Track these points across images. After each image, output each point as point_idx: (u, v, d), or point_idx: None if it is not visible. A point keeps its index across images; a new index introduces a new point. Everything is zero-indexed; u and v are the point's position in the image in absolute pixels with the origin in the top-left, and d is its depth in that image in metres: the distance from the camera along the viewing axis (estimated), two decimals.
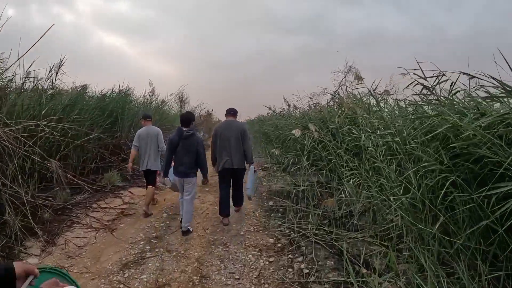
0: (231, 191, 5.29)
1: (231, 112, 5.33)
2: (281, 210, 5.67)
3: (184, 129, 4.57)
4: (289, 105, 11.69)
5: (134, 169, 7.94)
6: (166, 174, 4.69)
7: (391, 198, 3.57)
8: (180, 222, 4.73)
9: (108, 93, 9.93)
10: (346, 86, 13.36)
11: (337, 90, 13.39)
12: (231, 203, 5.31)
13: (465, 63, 2.95)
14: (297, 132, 6.77)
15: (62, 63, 7.72)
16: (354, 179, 4.64)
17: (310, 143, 6.65)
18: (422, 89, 3.98)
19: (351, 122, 6.30)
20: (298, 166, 6.85)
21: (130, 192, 7.05)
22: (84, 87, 8.38)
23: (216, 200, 6.18)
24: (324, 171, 6.42)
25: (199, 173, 4.75)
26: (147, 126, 5.73)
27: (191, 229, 4.63)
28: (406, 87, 5.78)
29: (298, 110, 10.46)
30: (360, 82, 6.82)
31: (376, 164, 4.22)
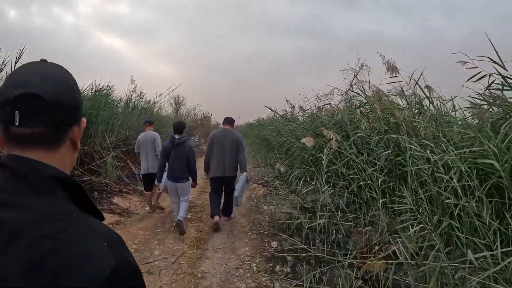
0: (222, 197, 5.30)
1: (228, 121, 5.38)
2: (290, 259, 3.97)
3: (176, 136, 4.81)
4: (293, 107, 10.09)
5: None
6: (159, 179, 4.91)
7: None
8: (174, 225, 4.93)
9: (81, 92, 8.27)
10: (360, 84, 11.87)
11: (350, 89, 11.87)
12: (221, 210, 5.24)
13: None
14: (308, 141, 5.18)
15: (21, 53, 6.12)
16: (411, 221, 2.97)
17: (328, 155, 5.03)
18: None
19: (392, 129, 4.66)
20: (311, 185, 5.23)
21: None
22: None
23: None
24: (346, 193, 4.82)
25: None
26: (146, 131, 5.89)
27: (183, 221, 4.83)
28: (468, 80, 4.13)
29: (305, 113, 8.86)
30: (396, 75, 5.22)
31: (448, 200, 2.58)
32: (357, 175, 4.86)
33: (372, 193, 4.41)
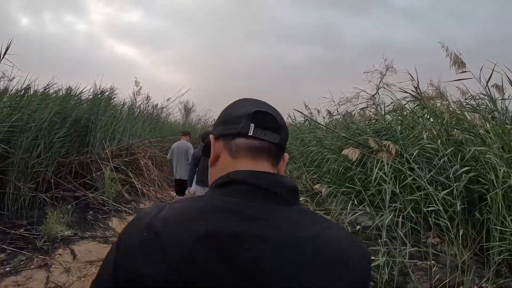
0: None
1: None
2: None
3: None
4: (318, 111, 8.98)
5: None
6: (190, 184, 5.06)
7: None
8: None
9: (76, 94, 7.29)
10: (388, 87, 10.70)
11: (377, 92, 10.69)
12: None
13: None
14: (352, 154, 4.10)
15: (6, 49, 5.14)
16: None
17: (378, 171, 3.95)
18: None
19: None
20: (356, 208, 4.14)
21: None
22: (27, 88, 5.76)
23: None
24: (407, 224, 3.74)
25: None
26: (181, 140, 6.44)
27: None
28: None
29: (334, 118, 7.75)
30: (464, 70, 4.10)
31: None
32: (419, 196, 3.77)
33: (440, 220, 3.39)
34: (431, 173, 3.66)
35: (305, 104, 11.87)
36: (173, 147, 6.38)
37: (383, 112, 6.27)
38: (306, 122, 9.34)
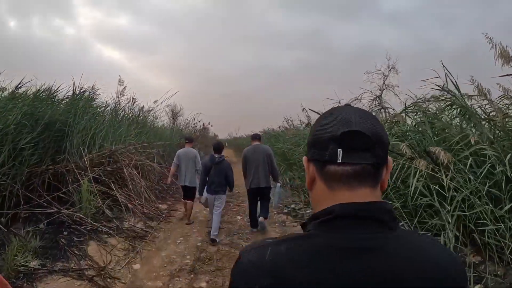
0: (258, 207, 5.63)
1: (257, 137, 5.86)
2: None
3: (216, 155, 5.24)
4: (317, 113, 8.28)
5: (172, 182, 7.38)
6: (201, 192, 5.36)
7: None
8: (208, 233, 5.15)
9: (51, 93, 6.40)
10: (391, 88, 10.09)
11: (381, 93, 10.07)
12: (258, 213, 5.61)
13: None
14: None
15: None
16: None
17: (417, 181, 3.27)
18: None
19: None
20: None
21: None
22: None
23: None
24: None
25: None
26: (186, 147, 6.46)
27: (217, 240, 5.01)
28: None
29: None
30: None
31: None
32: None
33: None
34: (474, 182, 2.95)
35: (302, 107, 11.23)
36: (178, 153, 6.40)
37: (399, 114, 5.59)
38: (310, 125, 8.60)
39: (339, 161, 0.60)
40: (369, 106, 9.78)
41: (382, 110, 8.91)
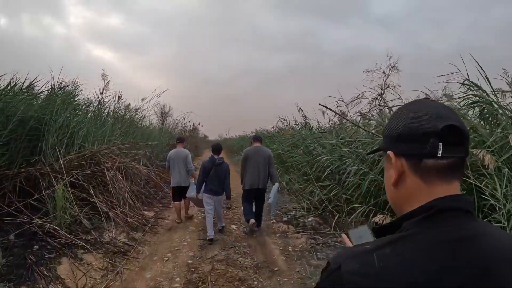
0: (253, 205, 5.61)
1: (258, 139, 5.85)
2: None
3: (216, 157, 5.32)
4: (324, 113, 7.82)
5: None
6: (198, 192, 5.32)
7: None
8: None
9: (24, 88, 5.76)
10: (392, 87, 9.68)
11: (383, 92, 9.63)
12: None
13: None
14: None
15: None
16: None
17: None
18: None
19: None
20: None
21: None
22: None
23: None
24: None
25: None
26: (178, 148, 6.40)
27: (224, 226, 5.53)
28: None
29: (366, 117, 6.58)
30: None
31: None
32: None
33: None
34: None
35: (298, 107, 10.73)
36: (170, 154, 6.38)
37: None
38: (308, 125, 8.10)
39: (439, 155, 0.61)
40: (370, 106, 9.35)
41: (387, 109, 8.47)
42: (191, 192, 5.84)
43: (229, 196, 5.45)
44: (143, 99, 10.25)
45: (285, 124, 11.70)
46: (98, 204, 5.14)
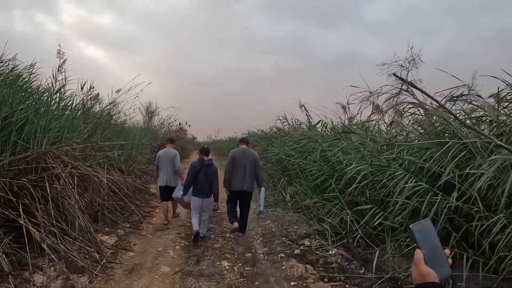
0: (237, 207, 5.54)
1: (245, 141, 5.77)
2: None
3: (205, 158, 5.30)
4: (344, 108, 6.40)
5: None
6: (185, 193, 5.27)
7: None
8: (192, 239, 4.92)
9: None
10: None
11: (406, 87, 8.23)
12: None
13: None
14: None
15: None
16: None
17: None
18: None
19: None
20: None
21: None
22: None
23: None
24: None
25: None
26: (167, 148, 6.49)
27: (206, 235, 5.24)
28: None
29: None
30: None
31: None
32: None
33: None
34: None
35: (300, 104, 9.28)
36: (159, 154, 6.41)
37: None
38: (321, 124, 6.62)
39: None
40: (389, 102, 7.95)
41: (415, 106, 7.06)
42: (177, 193, 5.78)
43: (217, 198, 5.33)
44: (118, 91, 8.60)
45: (285, 123, 10.21)
46: (31, 231, 3.55)
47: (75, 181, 4.80)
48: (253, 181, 5.41)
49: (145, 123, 18.04)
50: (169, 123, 18.68)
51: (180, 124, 19.61)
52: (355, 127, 6.14)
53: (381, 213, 3.72)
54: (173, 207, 6.33)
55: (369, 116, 5.81)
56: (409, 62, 8.87)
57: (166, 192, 6.06)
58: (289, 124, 9.61)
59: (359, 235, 4.11)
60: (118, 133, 9.43)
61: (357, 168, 4.12)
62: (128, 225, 5.38)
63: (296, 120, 9.23)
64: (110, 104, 9.19)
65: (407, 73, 8.65)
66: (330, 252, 4.09)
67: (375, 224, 3.69)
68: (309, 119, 9.18)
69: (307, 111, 9.29)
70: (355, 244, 4.22)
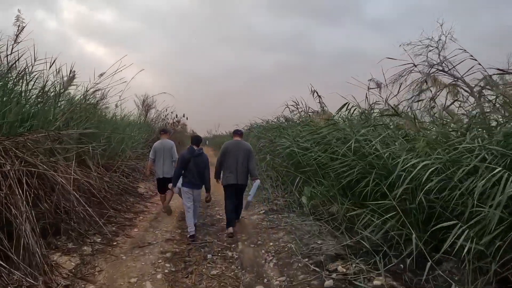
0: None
1: (239, 133, 5.65)
2: None
3: (195, 148, 5.09)
4: (379, 85, 5.31)
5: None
6: (174, 185, 5.15)
7: None
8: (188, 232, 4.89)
9: None
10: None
11: (443, 65, 7.07)
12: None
13: None
14: None
15: None
16: None
17: None
18: None
19: None
20: None
21: None
22: None
23: None
24: None
25: None
26: (162, 139, 6.42)
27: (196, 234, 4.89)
28: None
29: None
30: None
31: None
32: None
33: None
34: None
35: (313, 90, 8.11)
36: (155, 146, 6.34)
37: None
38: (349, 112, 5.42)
39: None
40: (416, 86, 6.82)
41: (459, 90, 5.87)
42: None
43: (209, 188, 5.21)
44: (101, 75, 7.40)
45: (294, 112, 9.00)
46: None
47: (26, 181, 3.65)
48: (247, 173, 5.32)
49: (141, 116, 16.94)
50: (165, 115, 17.49)
51: (177, 116, 18.41)
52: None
53: (463, 230, 2.50)
54: (168, 198, 6.10)
55: (418, 93, 4.63)
56: (445, 39, 7.67)
57: (163, 184, 6.03)
58: (300, 112, 8.41)
59: (411, 256, 2.95)
60: (103, 124, 8.27)
61: (423, 163, 2.88)
62: (99, 239, 4.18)
63: (308, 108, 8.05)
64: (94, 90, 7.98)
65: (439, 52, 7.48)
66: (376, 282, 2.92)
67: (455, 246, 2.49)
68: (322, 107, 8.00)
69: (320, 97, 8.11)
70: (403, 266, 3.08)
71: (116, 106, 10.05)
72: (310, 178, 5.45)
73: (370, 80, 6.41)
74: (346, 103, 5.14)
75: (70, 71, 7.16)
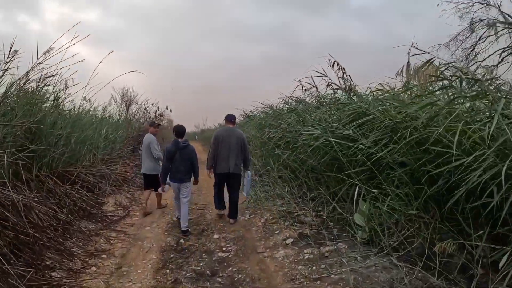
0: (225, 191, 5.38)
1: (231, 120, 5.45)
2: None
3: (180, 140, 4.95)
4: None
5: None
6: (164, 181, 5.08)
7: None
8: (179, 222, 5.04)
9: None
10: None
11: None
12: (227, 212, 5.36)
13: None
14: None
15: None
16: None
17: None
18: None
19: None
20: None
21: None
22: None
23: None
24: None
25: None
26: (148, 133, 6.19)
27: (189, 230, 4.86)
28: None
29: None
30: None
31: None
32: None
33: None
34: None
35: (331, 63, 6.37)
36: (143, 139, 6.22)
37: None
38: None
39: None
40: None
41: None
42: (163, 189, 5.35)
43: (197, 177, 5.06)
44: (46, 52, 5.42)
45: (306, 92, 7.11)
46: None
47: None
48: (240, 162, 5.18)
49: (120, 111, 14.93)
50: (146, 108, 15.50)
51: (159, 109, 16.38)
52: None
53: None
54: (157, 198, 6.17)
55: None
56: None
57: (146, 180, 6.02)
58: (318, 91, 6.53)
59: None
60: (61, 120, 6.26)
61: None
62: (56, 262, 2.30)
63: (330, 83, 6.17)
64: (44, 76, 5.94)
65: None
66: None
67: None
68: (350, 82, 6.19)
69: (343, 70, 6.26)
70: None
71: (85, 99, 8.06)
72: (364, 184, 3.62)
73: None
74: (431, 59, 3.30)
75: (10, 50, 5.21)
